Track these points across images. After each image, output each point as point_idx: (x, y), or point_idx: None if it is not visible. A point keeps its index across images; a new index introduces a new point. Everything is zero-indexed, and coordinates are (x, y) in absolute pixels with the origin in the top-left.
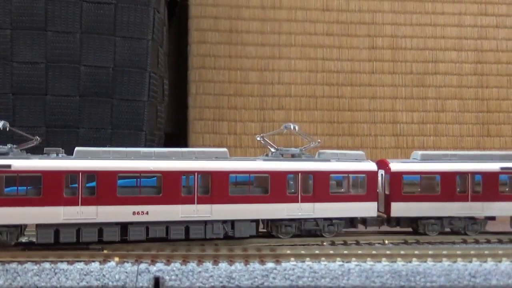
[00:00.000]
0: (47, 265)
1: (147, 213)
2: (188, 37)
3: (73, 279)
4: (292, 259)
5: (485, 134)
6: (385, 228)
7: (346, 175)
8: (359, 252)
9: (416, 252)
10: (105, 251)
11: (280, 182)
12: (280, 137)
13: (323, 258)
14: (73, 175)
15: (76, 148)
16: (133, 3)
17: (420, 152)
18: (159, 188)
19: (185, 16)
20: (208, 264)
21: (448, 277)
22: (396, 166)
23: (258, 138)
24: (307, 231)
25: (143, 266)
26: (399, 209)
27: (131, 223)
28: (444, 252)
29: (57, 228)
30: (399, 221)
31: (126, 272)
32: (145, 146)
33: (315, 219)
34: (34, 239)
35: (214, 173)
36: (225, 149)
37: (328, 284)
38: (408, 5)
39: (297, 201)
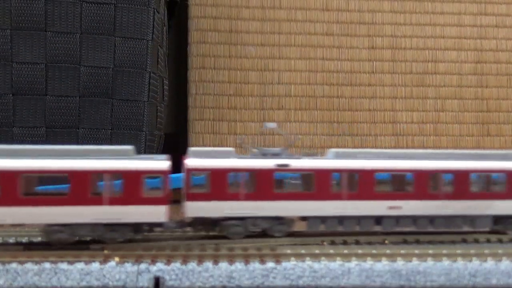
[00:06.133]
0: (47, 265)
1: None
2: (188, 37)
3: (74, 279)
4: (292, 258)
5: (485, 133)
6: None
7: None
8: (359, 251)
9: (416, 251)
10: (105, 251)
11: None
12: (280, 137)
13: (323, 258)
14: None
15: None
16: (133, 3)
17: None
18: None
19: (185, 16)
20: (208, 264)
21: (448, 277)
22: None
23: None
24: None
25: (143, 266)
26: None
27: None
28: (444, 251)
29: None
30: None
31: (127, 272)
32: (145, 146)
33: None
34: (34, 239)
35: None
36: None
37: (328, 283)
38: (407, 4)
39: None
